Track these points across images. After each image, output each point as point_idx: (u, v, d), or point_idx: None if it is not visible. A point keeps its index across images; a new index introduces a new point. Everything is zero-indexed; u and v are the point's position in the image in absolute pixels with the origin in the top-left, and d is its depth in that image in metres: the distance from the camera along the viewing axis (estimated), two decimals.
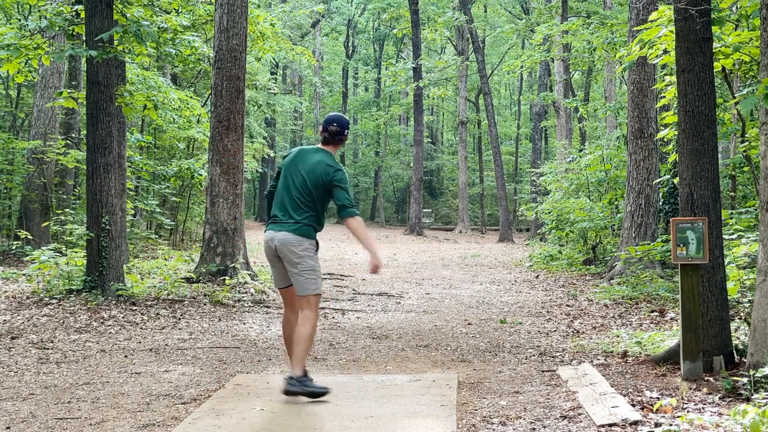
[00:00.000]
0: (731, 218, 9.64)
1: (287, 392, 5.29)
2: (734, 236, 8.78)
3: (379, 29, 47.39)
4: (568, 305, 10.60)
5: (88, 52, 10.00)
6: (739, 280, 7.55)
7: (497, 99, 51.98)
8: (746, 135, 8.58)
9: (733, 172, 12.09)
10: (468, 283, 14.10)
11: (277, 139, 42.84)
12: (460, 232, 35.11)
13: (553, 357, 7.01)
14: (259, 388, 5.74)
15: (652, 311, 9.38)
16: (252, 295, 10.87)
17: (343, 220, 5.45)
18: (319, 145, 5.69)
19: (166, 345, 7.77)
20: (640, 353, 6.83)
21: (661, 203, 12.96)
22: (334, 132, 5.62)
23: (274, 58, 28.42)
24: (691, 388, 5.38)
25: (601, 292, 11.45)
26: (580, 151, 20.29)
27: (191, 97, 17.45)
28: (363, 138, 50.39)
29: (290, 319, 5.60)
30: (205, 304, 10.13)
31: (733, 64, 7.74)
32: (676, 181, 11.50)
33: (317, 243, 5.55)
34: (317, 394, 5.29)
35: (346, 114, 46.09)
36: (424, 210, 37.51)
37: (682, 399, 5.04)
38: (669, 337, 7.14)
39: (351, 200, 5.49)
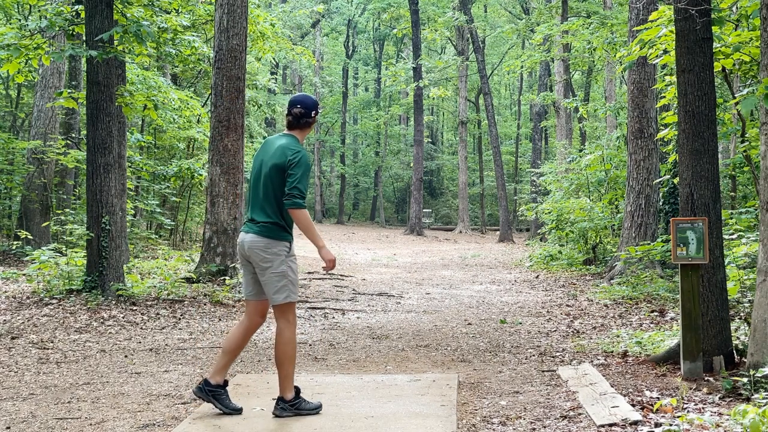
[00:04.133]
0: (731, 218, 9.64)
1: (276, 416, 4.92)
2: (734, 236, 8.78)
3: (379, 29, 47.39)
4: (568, 305, 10.60)
5: (88, 52, 10.00)
6: (739, 280, 7.55)
7: (497, 99, 51.98)
8: (746, 135, 8.58)
9: (733, 172, 12.10)
10: (468, 283, 14.09)
11: None
12: (460, 232, 35.12)
13: (553, 357, 7.01)
14: (259, 388, 5.74)
15: (652, 311, 9.38)
16: None
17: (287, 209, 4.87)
18: (285, 131, 5.14)
19: (166, 345, 7.77)
20: (640, 353, 6.83)
21: (661, 203, 12.96)
22: (299, 114, 5.02)
23: (274, 58, 28.39)
24: (691, 388, 5.38)
25: (601, 292, 11.44)
26: (580, 151, 20.29)
27: (191, 97, 17.45)
28: (363, 138, 50.38)
29: (239, 327, 5.06)
30: (205, 304, 10.13)
31: (733, 64, 7.74)
32: (676, 181, 11.50)
33: (290, 244, 4.97)
34: (311, 413, 4.96)
35: (346, 114, 46.05)
36: (424, 210, 37.52)
37: (682, 399, 5.04)
38: (669, 337, 7.14)
39: (300, 188, 4.83)
